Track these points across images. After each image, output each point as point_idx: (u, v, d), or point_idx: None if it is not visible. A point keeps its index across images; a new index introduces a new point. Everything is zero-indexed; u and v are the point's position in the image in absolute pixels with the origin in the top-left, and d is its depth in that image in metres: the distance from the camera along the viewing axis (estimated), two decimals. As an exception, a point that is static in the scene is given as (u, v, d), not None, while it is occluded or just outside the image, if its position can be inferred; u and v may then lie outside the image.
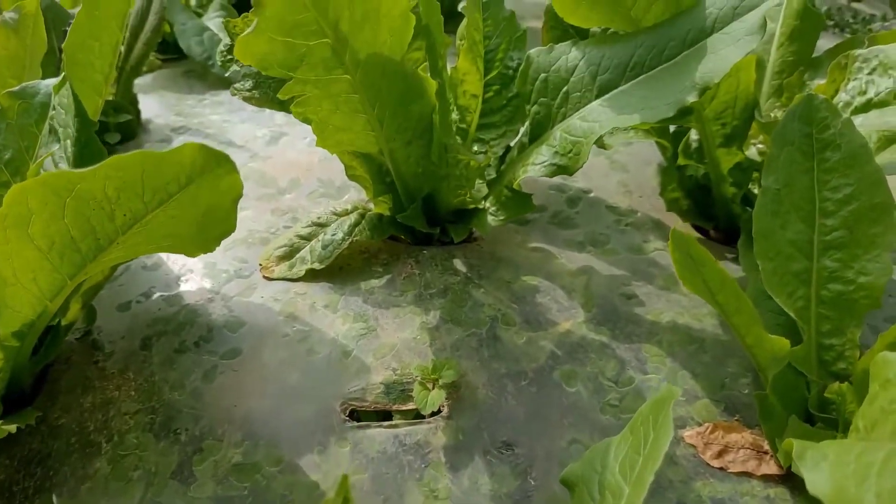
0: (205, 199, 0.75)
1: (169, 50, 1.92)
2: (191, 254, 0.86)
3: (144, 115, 1.61)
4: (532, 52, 1.05)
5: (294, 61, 0.78)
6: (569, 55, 1.02)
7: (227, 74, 1.09)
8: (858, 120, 0.94)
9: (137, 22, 1.45)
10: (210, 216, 0.77)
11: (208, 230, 0.80)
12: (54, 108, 0.89)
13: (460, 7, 2.07)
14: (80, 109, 0.92)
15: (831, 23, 2.16)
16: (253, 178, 1.35)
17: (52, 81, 0.92)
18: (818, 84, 1.19)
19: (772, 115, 1.24)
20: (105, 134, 1.45)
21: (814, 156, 0.85)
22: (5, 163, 0.92)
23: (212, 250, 0.84)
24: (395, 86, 0.91)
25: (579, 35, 1.22)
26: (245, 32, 0.71)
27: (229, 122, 1.55)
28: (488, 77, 1.11)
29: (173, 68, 1.91)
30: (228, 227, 0.80)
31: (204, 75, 1.80)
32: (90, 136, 0.93)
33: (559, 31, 1.24)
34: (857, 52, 0.99)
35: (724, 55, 0.85)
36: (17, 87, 0.93)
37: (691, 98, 0.86)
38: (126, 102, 1.49)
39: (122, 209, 0.74)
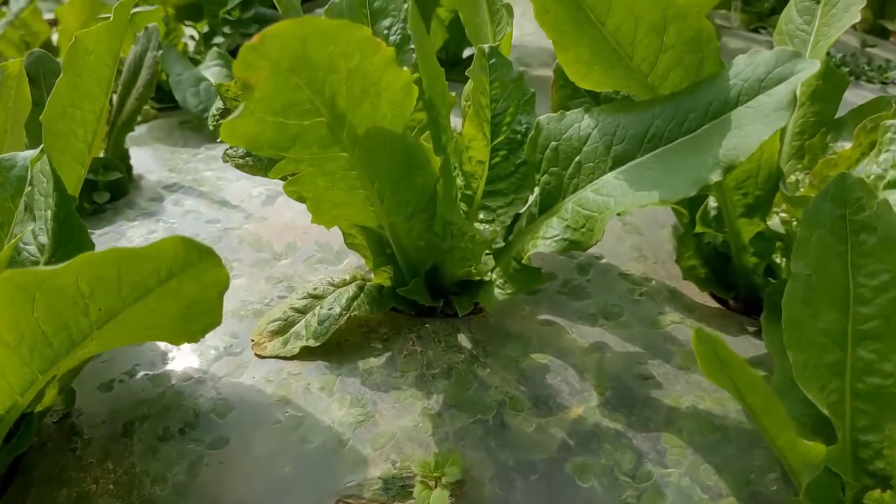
0: (188, 292, 0.69)
1: (165, 98, 1.86)
2: (174, 343, 0.80)
3: (136, 170, 1.55)
4: (542, 118, 1.00)
5: (286, 142, 0.72)
6: (581, 123, 0.97)
7: (220, 140, 1.03)
8: (893, 197, 0.88)
9: (130, 76, 1.39)
10: (194, 309, 0.71)
11: (192, 323, 0.73)
12: (31, 185, 0.84)
13: (465, 54, 2.04)
14: (58, 184, 0.86)
15: (846, 69, 2.11)
16: (247, 241, 1.29)
17: (30, 154, 0.87)
18: (843, 148, 1.14)
19: (792, 177, 1.18)
20: (94, 193, 1.39)
21: (847, 239, 0.79)
22: (-22, 240, 0.87)
23: (196, 341, 0.78)
24: (396, 158, 0.85)
25: (590, 94, 1.16)
26: (231, 116, 0.65)
27: (224, 180, 1.49)
28: (495, 142, 1.05)
29: (169, 118, 1.86)
30: (214, 319, 0.73)
31: (200, 127, 1.75)
32: (69, 211, 0.87)
33: (569, 89, 1.18)
34: (889, 122, 0.93)
35: (750, 132, 0.79)
36: (-8, 160, 0.87)
37: (714, 177, 0.80)
38: (117, 159, 1.43)
39: (96, 304, 0.68)
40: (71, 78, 0.88)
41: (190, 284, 0.67)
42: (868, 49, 2.31)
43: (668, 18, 0.88)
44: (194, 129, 1.77)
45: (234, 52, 1.99)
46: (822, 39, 1.14)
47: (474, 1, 1.13)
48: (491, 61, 1.04)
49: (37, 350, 0.71)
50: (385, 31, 1.10)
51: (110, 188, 1.41)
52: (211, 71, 1.74)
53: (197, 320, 0.73)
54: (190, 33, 2.20)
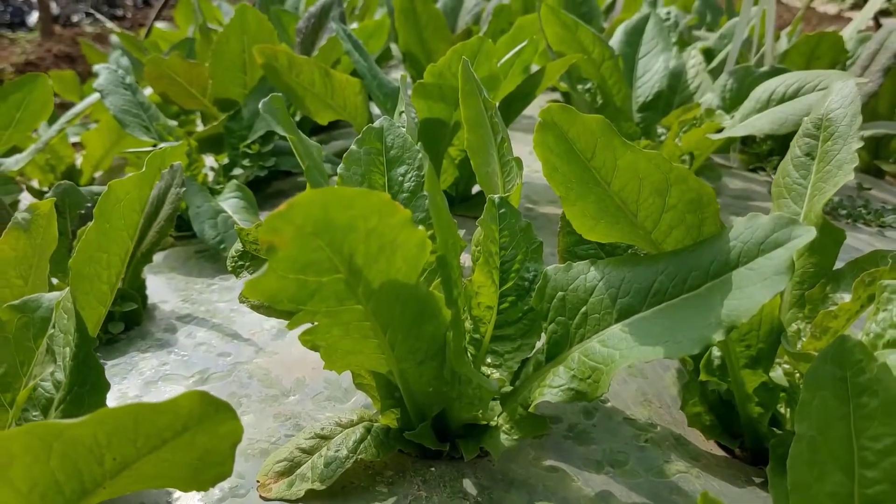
0: (201, 443, 0.70)
1: (183, 227, 1.92)
2: (183, 490, 0.81)
3: (151, 299, 1.58)
4: (549, 269, 1.03)
5: (305, 296, 0.75)
6: (587, 275, 1.00)
7: (238, 279, 1.07)
8: (893, 357, 0.90)
9: (153, 210, 1.44)
10: (206, 460, 0.72)
11: (203, 473, 0.74)
12: (53, 326, 0.86)
13: (474, 191, 2.10)
14: (80, 324, 0.89)
15: (843, 212, 2.16)
16: (257, 376, 1.30)
17: (55, 296, 0.90)
18: (842, 300, 1.16)
19: (793, 326, 1.20)
20: (109, 323, 1.42)
21: (849, 401, 0.80)
22: (-2, 378, 0.89)
23: (206, 489, 0.78)
24: (408, 309, 0.88)
25: (596, 242, 1.20)
26: (254, 275, 0.69)
27: (237, 311, 1.52)
28: (504, 288, 1.08)
29: (186, 247, 1.90)
30: (225, 471, 0.74)
31: (215, 257, 1.79)
32: (88, 352, 0.89)
33: (576, 236, 1.22)
34: (886, 282, 0.96)
35: (751, 294, 0.82)
36: (18, 301, 0.90)
37: (717, 337, 0.82)
38: (133, 290, 1.46)
39: (112, 453, 0.70)
40: (101, 224, 0.92)
41: (204, 437, 0.69)
42: (865, 192, 2.37)
43: (670, 181, 0.93)
44: (210, 258, 1.81)
45: (251, 184, 2.07)
46: (817, 194, 1.19)
47: (485, 151, 1.19)
48: (501, 211, 1.08)
49: (48, 498, 0.72)
50: (400, 178, 1.16)
51: (125, 318, 1.44)
52: (229, 203, 1.80)
53: (208, 471, 0.74)
54: (210, 164, 2.28)
